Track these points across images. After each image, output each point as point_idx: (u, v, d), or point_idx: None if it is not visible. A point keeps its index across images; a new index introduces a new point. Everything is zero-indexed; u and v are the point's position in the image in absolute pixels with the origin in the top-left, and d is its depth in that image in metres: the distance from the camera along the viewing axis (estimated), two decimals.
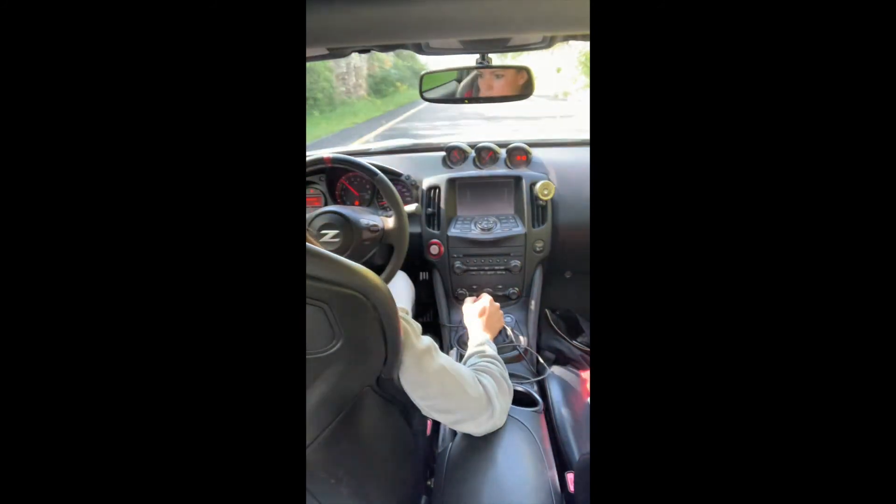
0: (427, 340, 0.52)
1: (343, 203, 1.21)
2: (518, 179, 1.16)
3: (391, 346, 0.45)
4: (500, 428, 0.63)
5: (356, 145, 1.57)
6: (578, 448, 0.77)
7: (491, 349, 0.72)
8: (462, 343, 1.06)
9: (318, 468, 0.46)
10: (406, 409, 0.57)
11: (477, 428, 0.59)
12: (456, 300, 1.20)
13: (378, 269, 0.91)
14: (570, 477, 0.65)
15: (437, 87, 0.91)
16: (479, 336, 0.79)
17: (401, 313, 0.47)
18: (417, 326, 0.52)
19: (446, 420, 0.57)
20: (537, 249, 1.14)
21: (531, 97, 0.88)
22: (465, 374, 0.56)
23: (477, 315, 0.87)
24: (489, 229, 1.13)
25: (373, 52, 0.68)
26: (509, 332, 1.08)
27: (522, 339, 1.08)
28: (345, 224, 0.87)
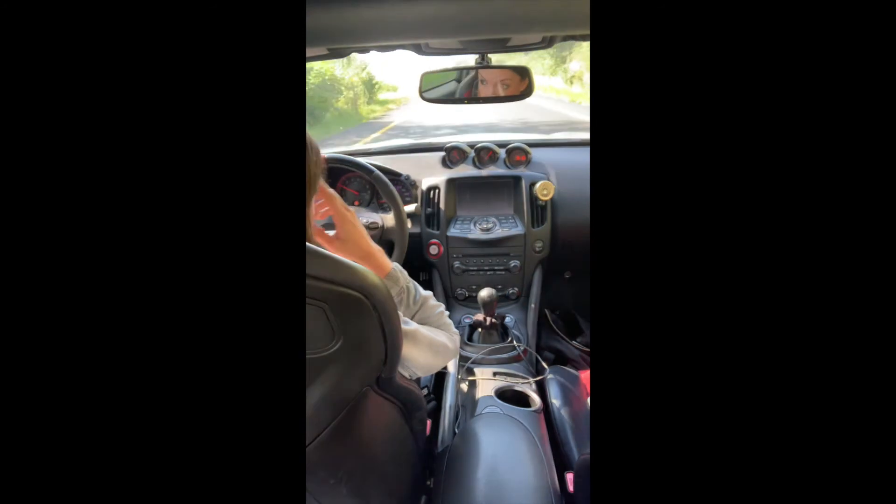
0: (413, 323, 0.56)
1: None
2: (517, 179, 1.16)
3: (391, 345, 0.45)
4: (500, 428, 0.63)
5: (356, 145, 1.57)
6: (578, 448, 0.77)
7: (411, 282, 0.63)
8: (464, 342, 1.06)
9: (318, 468, 0.46)
10: (406, 409, 0.57)
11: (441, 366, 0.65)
12: (455, 300, 1.20)
13: None
14: (569, 477, 0.65)
15: (437, 86, 0.91)
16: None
17: None
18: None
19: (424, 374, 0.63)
20: (537, 249, 1.14)
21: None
22: (437, 342, 0.60)
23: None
24: (489, 229, 1.13)
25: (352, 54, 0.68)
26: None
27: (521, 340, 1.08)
28: None
